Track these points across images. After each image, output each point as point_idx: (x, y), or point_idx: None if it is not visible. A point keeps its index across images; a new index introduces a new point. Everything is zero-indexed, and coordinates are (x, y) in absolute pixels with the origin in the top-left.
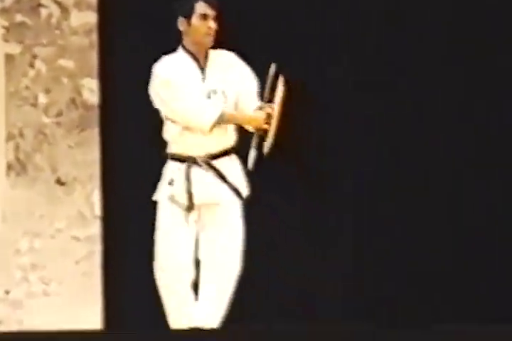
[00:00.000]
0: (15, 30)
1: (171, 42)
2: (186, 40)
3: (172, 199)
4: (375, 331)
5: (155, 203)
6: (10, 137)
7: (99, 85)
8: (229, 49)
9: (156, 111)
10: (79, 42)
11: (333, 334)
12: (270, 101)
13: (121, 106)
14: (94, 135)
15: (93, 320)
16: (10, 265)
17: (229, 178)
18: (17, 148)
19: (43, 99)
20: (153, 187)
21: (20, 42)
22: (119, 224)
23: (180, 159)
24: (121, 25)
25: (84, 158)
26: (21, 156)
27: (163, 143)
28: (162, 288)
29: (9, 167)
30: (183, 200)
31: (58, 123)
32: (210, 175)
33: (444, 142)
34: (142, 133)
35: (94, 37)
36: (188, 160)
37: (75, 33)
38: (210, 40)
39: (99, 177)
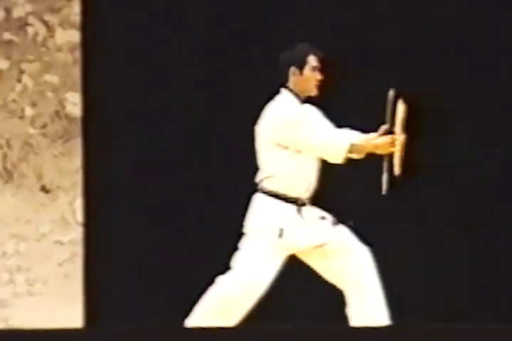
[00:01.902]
0: (3, 47)
1: (148, 60)
2: (294, 87)
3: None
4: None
5: (134, 210)
6: None
7: (82, 99)
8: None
9: (134, 124)
10: (63, 58)
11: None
12: (392, 125)
13: (102, 118)
14: (76, 145)
15: (74, 318)
16: None
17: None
18: (4, 157)
19: (29, 111)
20: (132, 195)
21: (8, 58)
22: (100, 229)
23: (287, 199)
24: (102, 42)
25: (67, 167)
26: (8, 165)
27: (142, 151)
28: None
29: None
30: (296, 243)
31: (43, 134)
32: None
33: None
34: (122, 144)
35: (78, 54)
36: (297, 202)
37: (59, 50)
38: (315, 90)
39: (82, 185)
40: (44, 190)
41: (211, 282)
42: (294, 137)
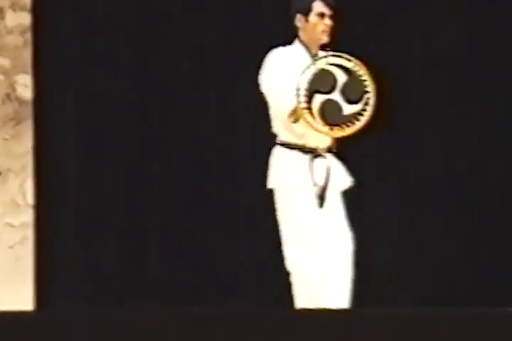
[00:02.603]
0: None
1: (100, 42)
2: (303, 36)
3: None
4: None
5: (84, 192)
6: None
7: (33, 81)
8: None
9: (85, 106)
10: (14, 41)
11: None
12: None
13: (53, 101)
14: (27, 128)
15: (25, 300)
16: None
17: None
18: None
19: None
20: (82, 177)
21: None
22: (50, 211)
23: (304, 150)
24: (53, 25)
25: (17, 150)
26: None
27: (92, 134)
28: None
29: None
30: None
31: None
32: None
33: None
34: (72, 126)
35: (28, 36)
36: (313, 152)
37: (10, 32)
38: (325, 38)
39: (32, 167)
40: None
41: (160, 262)
42: (269, 88)
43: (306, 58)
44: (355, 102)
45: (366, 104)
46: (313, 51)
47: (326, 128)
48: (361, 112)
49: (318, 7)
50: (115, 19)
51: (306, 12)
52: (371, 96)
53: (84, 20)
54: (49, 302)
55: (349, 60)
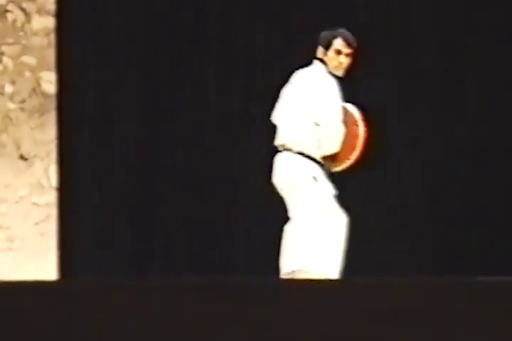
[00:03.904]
0: None
1: (116, 42)
2: (323, 62)
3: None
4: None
5: (102, 176)
6: None
7: (56, 77)
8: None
9: (102, 100)
10: (39, 42)
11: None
12: None
13: (74, 95)
14: (51, 118)
15: (49, 271)
16: None
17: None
18: None
19: (9, 88)
20: (98, 162)
21: None
22: (72, 193)
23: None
24: (74, 28)
25: (43, 138)
26: None
27: (108, 124)
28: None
29: None
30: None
31: (22, 109)
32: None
33: None
34: (91, 118)
35: (52, 38)
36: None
37: (35, 34)
38: (340, 73)
39: (56, 153)
40: (22, 158)
41: (178, 237)
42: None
43: (329, 77)
44: None
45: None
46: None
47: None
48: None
49: (337, 44)
50: (128, 23)
51: (327, 46)
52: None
53: (102, 24)
54: (71, 272)
55: None
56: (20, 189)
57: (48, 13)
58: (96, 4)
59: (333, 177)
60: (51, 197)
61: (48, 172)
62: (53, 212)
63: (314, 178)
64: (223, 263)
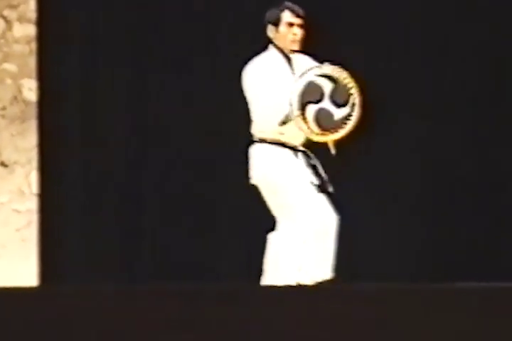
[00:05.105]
0: None
1: (97, 50)
2: (276, 44)
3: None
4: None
5: (83, 182)
6: None
7: (37, 85)
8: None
9: (83, 107)
10: (20, 49)
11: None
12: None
13: (55, 102)
14: (32, 126)
15: (30, 277)
16: None
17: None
18: None
19: None
20: (80, 168)
21: None
22: (53, 199)
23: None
24: (55, 35)
25: (24, 145)
26: None
27: (90, 132)
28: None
29: None
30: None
31: (3, 116)
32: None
33: None
34: (72, 125)
35: (33, 45)
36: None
37: (17, 42)
38: (295, 46)
39: (37, 160)
40: (3, 165)
41: (157, 245)
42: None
43: (284, 62)
44: (343, 105)
45: (353, 105)
46: (289, 55)
47: (319, 134)
48: (349, 116)
49: (286, 17)
50: (110, 30)
51: (276, 22)
52: (356, 98)
53: (84, 31)
54: (52, 279)
55: (334, 70)
56: (1, 195)
57: (29, 21)
58: (77, 12)
59: (326, 171)
60: (32, 204)
61: (28, 179)
62: (34, 219)
63: (295, 170)
64: (208, 268)
